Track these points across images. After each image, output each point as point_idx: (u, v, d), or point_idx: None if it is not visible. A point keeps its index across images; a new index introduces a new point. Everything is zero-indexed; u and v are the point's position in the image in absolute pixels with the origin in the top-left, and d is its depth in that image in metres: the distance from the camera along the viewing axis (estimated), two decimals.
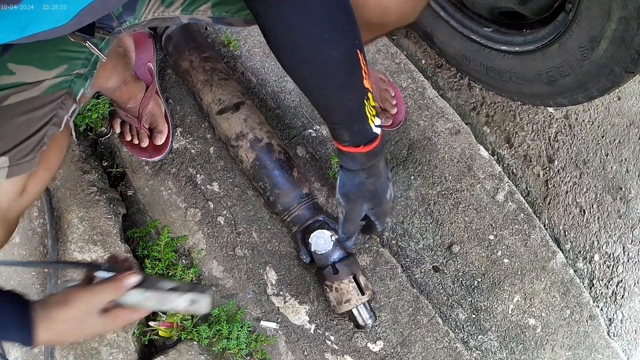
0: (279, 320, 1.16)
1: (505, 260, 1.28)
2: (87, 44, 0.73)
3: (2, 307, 0.70)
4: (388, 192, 0.92)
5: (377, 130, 0.80)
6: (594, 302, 1.33)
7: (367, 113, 0.77)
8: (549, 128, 1.50)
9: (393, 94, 1.32)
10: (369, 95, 0.76)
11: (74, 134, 0.89)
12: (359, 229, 0.96)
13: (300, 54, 0.71)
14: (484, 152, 1.34)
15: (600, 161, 1.50)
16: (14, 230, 0.85)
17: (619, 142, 1.53)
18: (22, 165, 0.75)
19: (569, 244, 1.42)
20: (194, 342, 1.12)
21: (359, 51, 0.72)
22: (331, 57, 0.71)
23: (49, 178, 0.88)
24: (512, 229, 1.29)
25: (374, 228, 0.96)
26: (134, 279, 0.74)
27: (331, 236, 1.06)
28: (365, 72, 0.74)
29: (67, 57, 0.76)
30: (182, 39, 1.23)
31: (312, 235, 1.07)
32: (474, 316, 1.25)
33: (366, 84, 0.74)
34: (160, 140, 1.21)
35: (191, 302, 0.75)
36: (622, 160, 1.51)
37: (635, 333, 1.40)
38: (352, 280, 1.06)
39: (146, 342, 1.14)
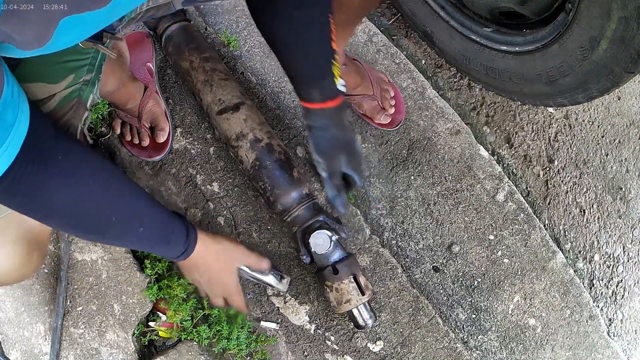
0: (279, 320, 1.16)
1: (505, 260, 1.28)
2: (98, 47, 0.75)
3: (173, 220, 0.85)
4: (357, 142, 1.00)
5: (342, 89, 0.90)
6: (594, 302, 1.33)
7: (334, 71, 0.87)
8: (549, 128, 1.50)
9: (392, 95, 1.32)
10: (336, 56, 0.85)
11: (89, 139, 0.90)
12: (342, 185, 1.02)
13: (291, 23, 0.81)
14: (484, 152, 1.34)
15: (600, 161, 1.50)
16: (47, 249, 0.88)
17: (619, 142, 1.53)
18: None
19: (569, 244, 1.42)
20: (194, 343, 1.12)
21: (329, 15, 0.82)
22: (313, 22, 0.82)
23: None
24: (512, 229, 1.29)
25: (353, 182, 1.02)
26: (267, 265, 1.04)
27: (331, 236, 1.06)
28: (333, 35, 0.83)
29: (72, 66, 0.77)
30: (182, 39, 1.23)
31: (312, 235, 1.06)
32: (474, 316, 1.25)
33: (334, 45, 0.84)
34: (162, 138, 1.21)
35: (279, 279, 1.09)
36: (622, 160, 1.51)
37: (635, 333, 1.40)
38: (352, 280, 1.06)
39: (146, 343, 1.14)
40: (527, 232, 1.29)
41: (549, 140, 1.49)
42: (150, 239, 0.82)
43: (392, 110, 1.32)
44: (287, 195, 1.09)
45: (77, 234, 0.92)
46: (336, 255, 1.07)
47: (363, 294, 1.06)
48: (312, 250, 1.07)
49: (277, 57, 0.88)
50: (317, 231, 1.07)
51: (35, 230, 0.83)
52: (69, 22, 0.52)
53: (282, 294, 1.16)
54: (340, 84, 0.88)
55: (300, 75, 0.88)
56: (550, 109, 1.52)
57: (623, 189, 1.49)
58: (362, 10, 1.06)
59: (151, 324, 1.15)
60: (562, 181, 1.46)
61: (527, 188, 1.45)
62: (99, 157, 0.76)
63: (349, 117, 0.98)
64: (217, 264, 0.95)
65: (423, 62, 1.54)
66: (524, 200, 1.32)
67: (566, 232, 1.42)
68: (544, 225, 1.38)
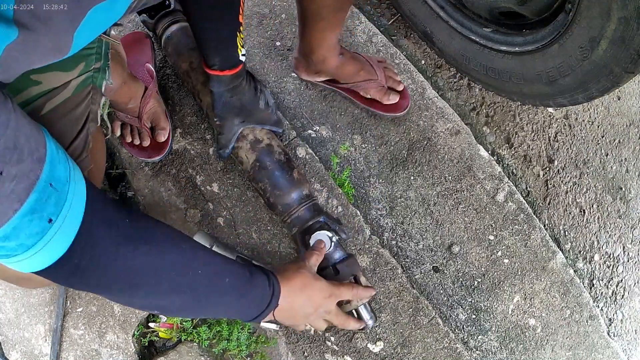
0: None
1: (505, 261, 1.28)
2: (102, 35, 0.77)
3: (246, 264, 0.85)
4: (260, 102, 1.11)
5: (242, 59, 0.99)
6: (594, 302, 1.33)
7: (238, 43, 0.95)
8: (549, 128, 1.50)
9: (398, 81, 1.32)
10: (241, 28, 0.94)
11: (109, 125, 0.94)
12: (233, 143, 1.12)
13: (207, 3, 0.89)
14: (483, 153, 1.34)
15: (600, 161, 1.50)
16: None
17: (619, 142, 1.53)
18: (80, 165, 0.76)
19: (569, 244, 1.42)
20: (194, 344, 1.12)
21: None
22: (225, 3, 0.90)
23: (101, 176, 0.92)
24: (512, 229, 1.29)
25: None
26: (370, 293, 1.04)
27: (331, 237, 1.06)
28: (241, 9, 0.91)
29: (81, 55, 0.78)
30: (182, 40, 1.22)
31: (312, 236, 1.06)
32: (474, 316, 1.25)
33: (240, 18, 0.92)
34: (163, 137, 1.21)
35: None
36: (622, 160, 1.51)
37: (635, 333, 1.40)
38: (353, 281, 1.06)
39: (146, 344, 1.14)
40: (527, 232, 1.29)
41: (549, 140, 1.49)
42: (237, 287, 0.80)
43: (401, 87, 1.30)
44: (287, 196, 1.09)
45: (166, 301, 0.74)
46: (336, 256, 1.07)
47: None
48: None
49: (190, 26, 0.98)
50: (317, 232, 1.07)
51: None
52: (83, 29, 0.53)
53: None
54: (241, 53, 0.98)
55: (205, 44, 0.97)
56: (550, 109, 1.52)
57: (623, 189, 1.49)
58: None
59: (151, 324, 1.15)
60: (562, 181, 1.46)
61: (527, 188, 1.45)
62: (154, 218, 0.74)
63: (251, 80, 1.11)
64: (306, 291, 0.93)
65: (423, 62, 1.54)
66: (524, 201, 1.32)
67: (566, 232, 1.42)
68: (544, 225, 1.38)
